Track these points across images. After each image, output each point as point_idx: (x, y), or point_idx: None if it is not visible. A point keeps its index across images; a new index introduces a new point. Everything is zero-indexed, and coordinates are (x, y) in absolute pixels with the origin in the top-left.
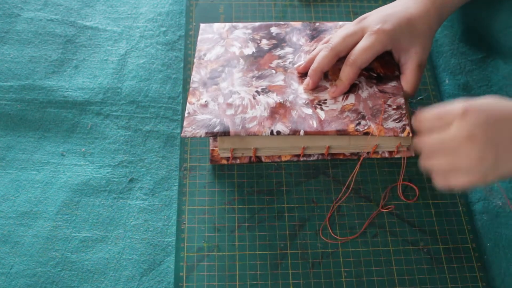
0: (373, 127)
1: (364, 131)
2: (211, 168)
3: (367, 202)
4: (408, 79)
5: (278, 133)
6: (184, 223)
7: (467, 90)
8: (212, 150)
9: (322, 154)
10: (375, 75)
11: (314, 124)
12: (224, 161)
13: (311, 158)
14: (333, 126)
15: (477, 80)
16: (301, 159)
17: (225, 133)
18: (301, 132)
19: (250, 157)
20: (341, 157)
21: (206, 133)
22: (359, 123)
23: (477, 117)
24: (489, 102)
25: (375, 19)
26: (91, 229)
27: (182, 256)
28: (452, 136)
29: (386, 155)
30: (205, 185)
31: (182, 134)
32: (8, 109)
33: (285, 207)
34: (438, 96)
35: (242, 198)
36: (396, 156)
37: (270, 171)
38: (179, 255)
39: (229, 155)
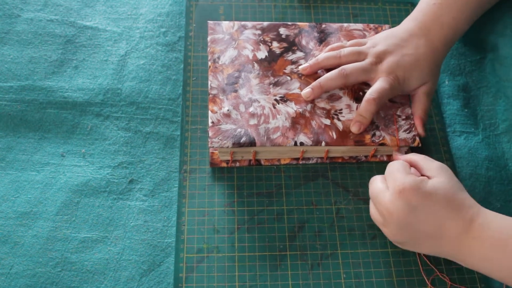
0: (387, 139)
1: (380, 142)
2: (211, 170)
3: (366, 205)
4: (418, 106)
5: (302, 144)
6: (184, 225)
7: (467, 91)
8: (212, 153)
9: (321, 158)
10: None
11: (334, 135)
12: (224, 164)
13: (310, 162)
14: (351, 137)
15: (476, 81)
16: (300, 162)
17: (251, 144)
18: (323, 144)
19: (250, 160)
20: (340, 160)
21: (233, 144)
22: (374, 134)
23: (406, 201)
24: (428, 190)
25: (390, 66)
26: (91, 229)
27: (182, 257)
28: (384, 201)
29: (385, 158)
30: (205, 187)
31: (209, 145)
32: (8, 109)
33: (285, 209)
34: (436, 100)
35: (242, 200)
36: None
37: (270, 173)
38: (179, 256)
39: (229, 158)
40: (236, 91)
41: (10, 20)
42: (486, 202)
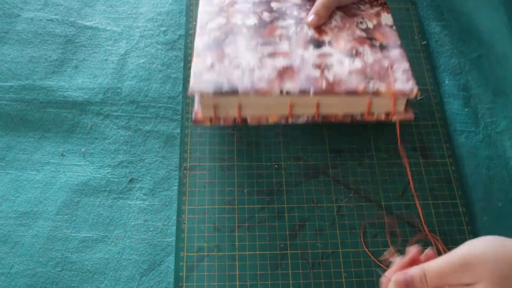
0: (382, 88)
1: (374, 90)
2: (211, 167)
3: (367, 202)
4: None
5: (288, 93)
6: (184, 223)
7: (467, 90)
8: (197, 112)
9: (313, 116)
10: (378, 44)
11: (323, 86)
12: (208, 122)
13: (300, 121)
14: (343, 87)
15: (476, 79)
16: (290, 121)
17: (233, 92)
18: (311, 92)
19: (235, 119)
20: (333, 119)
21: (214, 91)
22: (368, 83)
23: None
24: None
25: None
26: (91, 229)
27: (182, 256)
28: None
29: (382, 118)
30: (205, 185)
31: (189, 91)
32: (8, 109)
33: (285, 207)
34: (438, 97)
35: (242, 198)
36: (393, 119)
37: (270, 171)
38: (179, 255)
39: (212, 114)
40: (222, 49)
41: (10, 20)
42: (487, 201)
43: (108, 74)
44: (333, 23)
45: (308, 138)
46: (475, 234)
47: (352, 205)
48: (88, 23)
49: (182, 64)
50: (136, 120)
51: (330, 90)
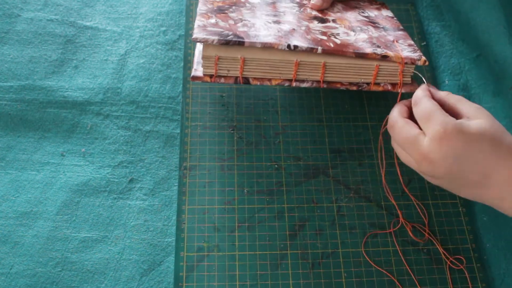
0: (391, 53)
1: (383, 54)
2: (211, 167)
3: (367, 202)
4: None
5: (296, 47)
6: (184, 223)
7: (467, 90)
8: (196, 69)
9: (318, 82)
10: (381, 26)
11: (331, 45)
12: (207, 79)
13: (304, 85)
14: (351, 48)
15: (476, 79)
16: (293, 84)
17: (240, 42)
18: (319, 50)
19: (237, 78)
20: (338, 86)
21: (219, 39)
22: (376, 49)
23: (449, 149)
24: (474, 132)
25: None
26: (91, 229)
27: (182, 256)
28: (421, 149)
29: (389, 88)
30: (205, 185)
31: (193, 37)
32: (8, 109)
33: (285, 207)
34: None
35: (242, 198)
36: (398, 90)
37: (270, 171)
38: (179, 255)
39: (213, 70)
40: (226, 13)
41: (10, 20)
42: None
43: (108, 74)
44: (335, 10)
45: (308, 138)
46: (475, 234)
47: (352, 205)
48: (88, 23)
49: (182, 64)
50: (136, 120)
51: (339, 49)
